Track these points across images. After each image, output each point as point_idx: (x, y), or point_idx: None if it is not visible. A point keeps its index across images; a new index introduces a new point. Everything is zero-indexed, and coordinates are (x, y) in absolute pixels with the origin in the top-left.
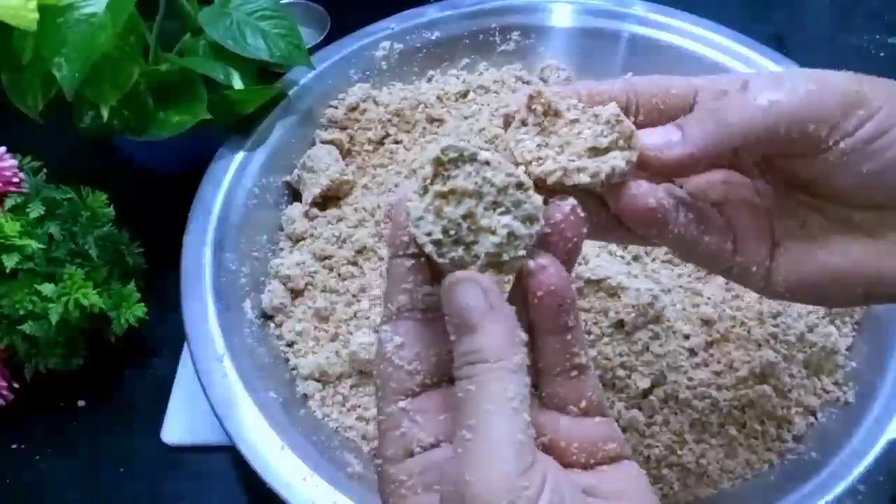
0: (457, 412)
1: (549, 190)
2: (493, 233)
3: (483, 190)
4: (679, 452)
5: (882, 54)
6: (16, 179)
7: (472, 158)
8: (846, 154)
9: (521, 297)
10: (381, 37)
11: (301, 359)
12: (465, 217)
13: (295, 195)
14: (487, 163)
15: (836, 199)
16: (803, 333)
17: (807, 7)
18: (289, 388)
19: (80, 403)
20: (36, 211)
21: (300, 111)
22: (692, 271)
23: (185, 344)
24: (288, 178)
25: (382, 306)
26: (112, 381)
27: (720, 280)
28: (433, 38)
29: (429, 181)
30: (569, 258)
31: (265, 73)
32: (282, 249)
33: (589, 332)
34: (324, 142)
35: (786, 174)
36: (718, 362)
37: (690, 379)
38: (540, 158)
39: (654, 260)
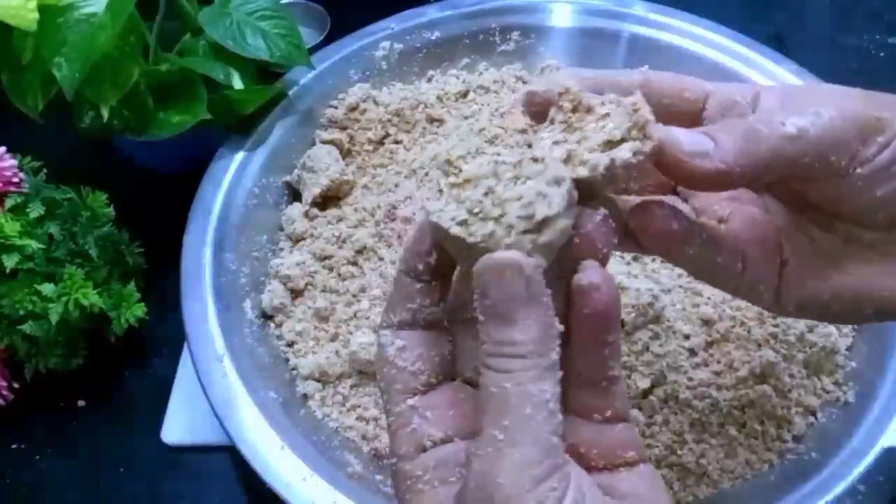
0: (483, 406)
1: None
2: (520, 198)
3: (499, 170)
4: (679, 452)
5: (882, 54)
6: (16, 179)
7: None
8: (862, 179)
9: (554, 278)
10: (381, 37)
11: (301, 359)
12: (486, 194)
13: (295, 195)
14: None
15: (847, 218)
16: (803, 333)
17: (807, 7)
18: (289, 388)
19: (80, 403)
20: (36, 211)
21: (300, 111)
22: None
23: (185, 344)
24: (288, 178)
25: (383, 312)
26: (112, 381)
27: None
28: (433, 38)
29: (442, 183)
30: None
31: (265, 73)
32: (282, 249)
33: None
34: (324, 142)
35: (796, 193)
36: (718, 362)
37: (690, 379)
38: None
39: (653, 260)
